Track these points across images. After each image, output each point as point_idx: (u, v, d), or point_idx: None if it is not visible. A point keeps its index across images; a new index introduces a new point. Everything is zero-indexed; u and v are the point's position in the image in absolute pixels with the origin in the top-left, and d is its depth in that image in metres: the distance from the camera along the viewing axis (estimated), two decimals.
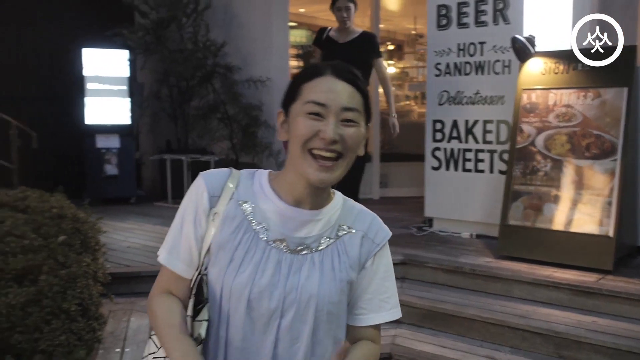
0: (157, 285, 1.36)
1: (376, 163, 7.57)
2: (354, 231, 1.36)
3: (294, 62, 9.84)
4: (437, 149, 5.42)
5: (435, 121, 5.43)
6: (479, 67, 5.13)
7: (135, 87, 7.32)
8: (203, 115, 7.23)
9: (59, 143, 6.69)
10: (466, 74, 5.20)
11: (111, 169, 7.01)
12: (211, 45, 7.10)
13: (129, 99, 7.13)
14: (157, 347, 1.32)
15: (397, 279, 4.57)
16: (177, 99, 7.31)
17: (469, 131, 5.23)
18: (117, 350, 3.39)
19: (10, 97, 6.53)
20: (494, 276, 4.24)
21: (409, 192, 7.37)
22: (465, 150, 5.26)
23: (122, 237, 5.32)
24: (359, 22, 8.98)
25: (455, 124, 5.30)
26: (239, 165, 6.80)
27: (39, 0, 7.19)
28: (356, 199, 4.77)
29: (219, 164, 6.98)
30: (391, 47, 10.72)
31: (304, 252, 1.31)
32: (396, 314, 1.42)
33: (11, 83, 6.92)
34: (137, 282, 4.26)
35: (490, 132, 5.12)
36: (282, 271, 1.28)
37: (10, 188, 4.42)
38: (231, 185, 1.34)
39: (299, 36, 9.15)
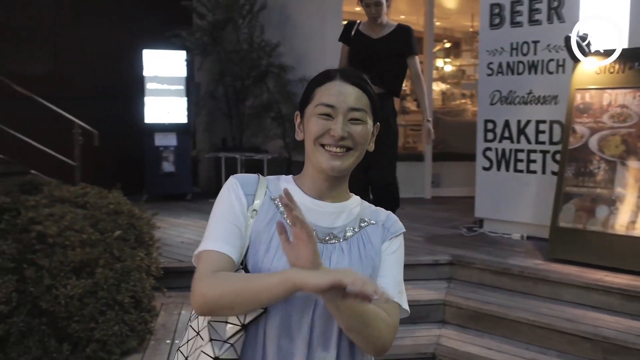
0: (205, 266, 1.34)
1: (428, 162, 7.54)
2: (374, 222, 1.48)
3: None
4: (489, 149, 5.37)
5: (486, 121, 5.38)
6: (532, 67, 5.05)
7: (193, 87, 7.53)
8: (257, 114, 7.37)
9: (119, 141, 6.95)
10: (519, 74, 5.13)
11: (168, 167, 7.24)
12: (266, 46, 7.23)
13: (186, 99, 7.34)
14: (197, 332, 1.38)
15: (443, 279, 4.53)
16: (232, 98, 7.48)
17: (521, 131, 5.16)
18: (167, 341, 3.53)
19: (75, 96, 6.83)
20: (542, 279, 4.18)
21: (461, 192, 7.31)
22: (517, 150, 5.19)
23: (177, 232, 5.49)
24: (414, 20, 8.98)
25: (507, 124, 5.24)
26: (291, 164, 6.89)
27: (104, 3, 7.48)
28: (397, 202, 4.50)
29: (272, 163, 7.11)
30: (448, 45, 10.65)
31: (332, 241, 1.41)
32: (402, 300, 1.44)
33: (76, 83, 7.24)
34: (190, 277, 4.36)
35: (542, 132, 5.04)
36: None
37: (72, 184, 4.64)
38: (262, 185, 1.46)
39: None
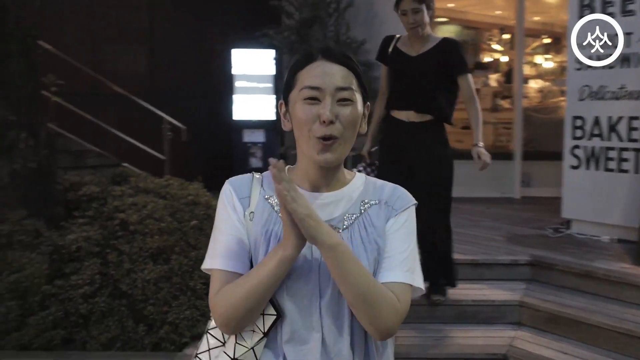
0: (215, 286, 1.37)
1: (518, 161, 7.30)
2: (375, 202, 1.40)
3: None
4: (577, 147, 5.13)
5: (575, 117, 5.14)
6: (625, 60, 4.78)
7: (280, 85, 7.68)
8: None
9: (209, 137, 7.22)
10: (610, 67, 4.87)
11: (256, 162, 7.44)
12: (352, 43, 7.26)
13: (274, 96, 7.51)
14: (223, 343, 1.40)
15: (522, 280, 4.36)
16: None
17: (612, 128, 4.89)
18: None
19: (167, 94, 7.18)
20: (629, 283, 3.95)
21: (553, 192, 6.98)
22: (608, 148, 4.92)
23: None
24: (504, 15, 8.71)
25: (596, 121, 4.99)
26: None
27: (196, 5, 7.80)
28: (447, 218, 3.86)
29: (356, 159, 7.13)
30: (547, 41, 10.26)
31: None
32: (411, 278, 1.36)
33: (168, 81, 7.59)
34: None
35: (636, 129, 4.75)
36: (314, 254, 1.33)
37: (160, 177, 4.88)
38: (257, 185, 1.42)
39: (448, 32, 9.04)
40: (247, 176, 1.45)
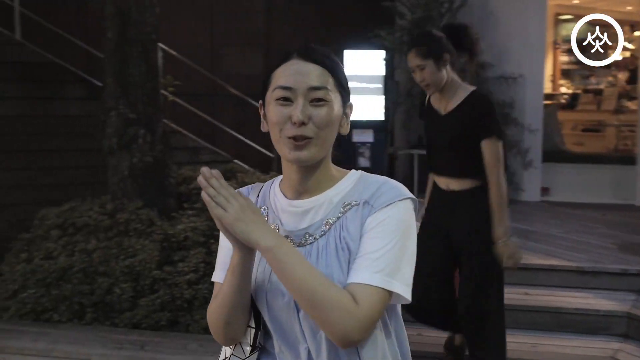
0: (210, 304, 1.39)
1: None
2: (357, 202, 1.29)
3: (564, 58, 9.38)
4: None
5: None
6: None
7: (391, 85, 7.73)
8: None
9: None
10: None
11: (364, 162, 7.53)
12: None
13: (383, 97, 7.56)
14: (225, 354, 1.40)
15: (633, 291, 4.12)
16: None
17: None
18: None
19: None
20: None
21: None
22: None
23: None
24: (634, 10, 8.18)
25: None
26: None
27: (310, 8, 8.04)
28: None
29: None
30: None
31: (310, 242, 1.29)
32: (384, 281, 1.21)
33: None
34: None
35: None
36: None
37: (267, 174, 5.10)
38: (254, 197, 1.39)
39: (571, 30, 8.67)
40: (246, 190, 1.43)
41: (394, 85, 7.81)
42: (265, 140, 6.18)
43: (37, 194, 5.07)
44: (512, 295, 3.76)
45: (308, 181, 1.32)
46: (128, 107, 4.26)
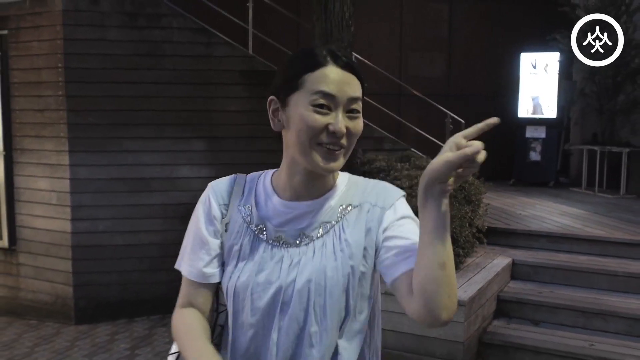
0: (180, 297, 1.39)
1: None
2: (356, 205, 1.31)
3: None
4: None
5: None
6: None
7: (566, 85, 8.28)
8: (626, 110, 7.74)
9: (493, 132, 8.16)
10: None
11: (535, 156, 8.20)
12: (638, 45, 7.51)
13: (556, 96, 8.17)
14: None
15: None
16: (602, 95, 7.98)
17: None
18: (471, 275, 4.61)
19: (461, 95, 8.45)
20: None
21: None
22: None
23: (522, 208, 6.49)
24: None
25: None
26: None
27: (491, 14, 8.87)
28: None
29: (632, 155, 7.38)
30: None
31: (304, 243, 1.29)
32: None
33: (462, 84, 8.83)
34: (513, 237, 5.47)
35: None
36: (283, 266, 1.28)
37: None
38: (237, 191, 1.37)
39: None
40: (228, 181, 1.40)
41: (571, 85, 8.35)
42: (440, 133, 7.28)
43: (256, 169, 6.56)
44: None
45: (313, 186, 1.30)
46: None
